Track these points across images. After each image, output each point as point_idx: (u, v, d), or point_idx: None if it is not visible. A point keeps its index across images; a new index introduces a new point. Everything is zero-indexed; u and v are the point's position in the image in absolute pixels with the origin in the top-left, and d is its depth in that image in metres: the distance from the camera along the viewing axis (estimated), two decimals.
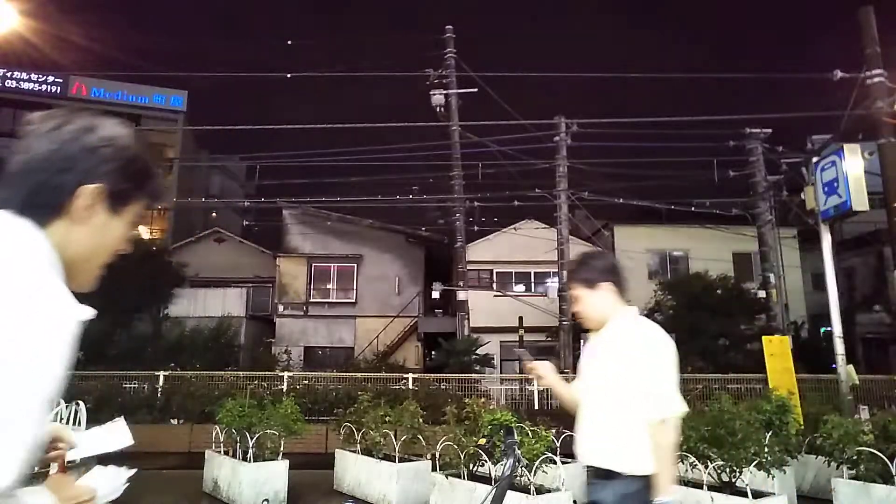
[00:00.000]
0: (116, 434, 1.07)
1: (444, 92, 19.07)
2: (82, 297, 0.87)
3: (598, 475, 2.37)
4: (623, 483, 2.25)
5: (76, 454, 1.02)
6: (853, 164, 9.90)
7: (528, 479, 5.59)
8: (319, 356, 22.40)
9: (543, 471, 5.94)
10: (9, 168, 0.94)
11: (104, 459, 1.11)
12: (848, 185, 9.82)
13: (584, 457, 2.47)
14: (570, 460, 7.30)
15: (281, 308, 23.09)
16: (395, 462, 7.41)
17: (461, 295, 18.75)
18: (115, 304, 16.85)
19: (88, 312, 0.87)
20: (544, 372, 2.72)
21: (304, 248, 23.81)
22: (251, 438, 7.26)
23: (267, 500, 7.01)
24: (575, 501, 6.01)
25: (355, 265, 23.55)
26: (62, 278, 0.89)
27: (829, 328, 13.81)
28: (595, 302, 2.57)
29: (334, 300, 23.40)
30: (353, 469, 8.02)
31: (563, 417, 11.14)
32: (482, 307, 20.40)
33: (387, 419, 7.86)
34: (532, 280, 23.07)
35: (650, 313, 19.09)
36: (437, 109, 18.98)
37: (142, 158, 1.03)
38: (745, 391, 12.70)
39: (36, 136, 0.96)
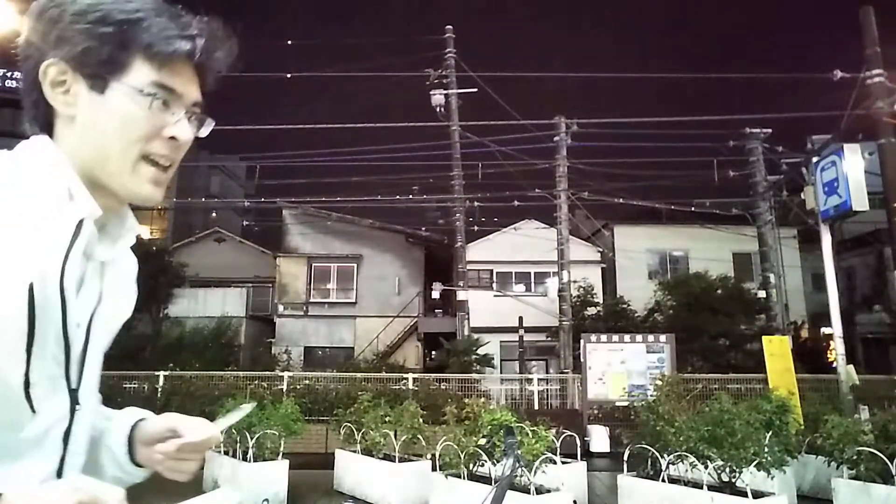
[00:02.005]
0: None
1: (444, 92, 19.07)
2: None
3: None
4: None
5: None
6: (853, 164, 9.91)
7: (528, 479, 5.58)
8: (319, 356, 22.39)
9: (543, 471, 5.94)
10: None
11: None
12: (848, 185, 9.83)
13: None
14: (569, 460, 7.31)
15: (281, 308, 23.09)
16: (395, 462, 7.41)
17: (461, 295, 18.75)
18: None
19: (84, 210, 0.76)
20: None
21: (304, 248, 23.81)
22: (251, 438, 7.26)
23: (267, 500, 7.01)
24: (575, 501, 6.00)
25: (355, 265, 23.55)
26: (89, 184, 0.78)
27: (829, 328, 13.81)
28: None
29: (334, 300, 23.40)
30: (353, 469, 8.02)
31: (563, 417, 11.16)
32: (482, 307, 20.40)
33: (387, 419, 7.86)
34: (532, 280, 23.06)
35: (650, 313, 19.11)
36: (437, 109, 18.98)
37: (107, 2, 0.77)
38: (745, 391, 12.69)
39: None
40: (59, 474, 0.78)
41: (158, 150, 0.81)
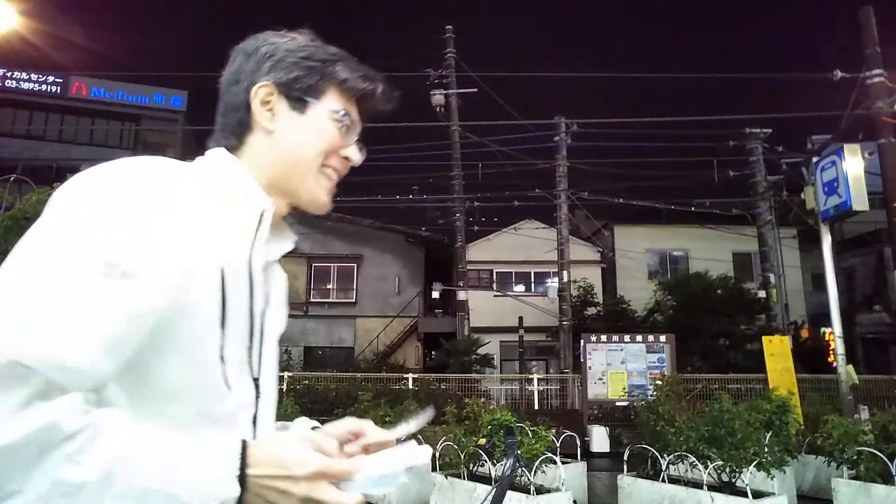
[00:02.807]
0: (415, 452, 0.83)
1: (444, 92, 19.07)
2: None
3: None
4: None
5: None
6: (853, 164, 9.91)
7: (528, 479, 5.58)
8: (319, 356, 22.38)
9: (543, 471, 5.94)
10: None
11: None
12: (848, 185, 9.82)
13: None
14: (569, 460, 7.31)
15: None
16: None
17: (461, 295, 18.75)
18: None
19: (262, 203, 0.88)
20: None
21: (304, 247, 23.80)
22: None
23: None
24: (575, 501, 6.00)
25: (355, 265, 23.55)
26: (271, 194, 0.91)
27: (829, 328, 13.81)
28: None
29: (334, 300, 23.40)
30: None
31: (563, 417, 11.16)
32: (482, 307, 20.40)
33: (387, 419, 7.86)
34: (532, 280, 23.06)
35: (650, 313, 19.12)
36: (437, 109, 18.98)
37: (312, 46, 0.97)
38: (745, 391, 12.70)
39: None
40: None
41: (335, 164, 0.97)
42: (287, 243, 1.00)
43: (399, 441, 0.90)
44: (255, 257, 0.85)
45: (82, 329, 0.65)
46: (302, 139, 0.94)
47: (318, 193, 0.97)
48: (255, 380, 0.87)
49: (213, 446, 0.70)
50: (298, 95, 0.94)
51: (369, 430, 0.93)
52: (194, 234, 0.77)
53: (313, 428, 0.98)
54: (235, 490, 0.68)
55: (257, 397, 0.87)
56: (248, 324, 0.85)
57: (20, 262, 0.68)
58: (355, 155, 0.99)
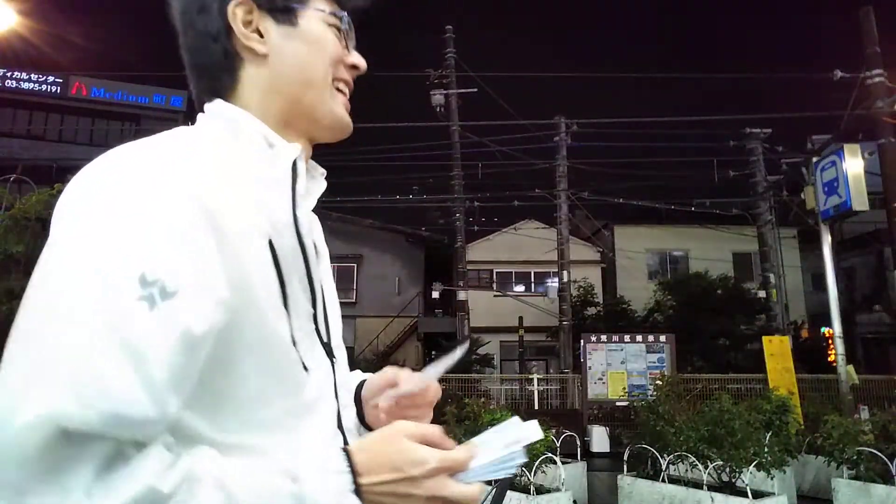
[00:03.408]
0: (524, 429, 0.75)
1: (444, 92, 19.06)
2: None
3: None
4: None
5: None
6: (853, 164, 9.91)
7: (528, 479, 5.58)
8: None
9: (543, 471, 5.94)
10: (184, 62, 0.84)
11: None
12: (848, 185, 9.83)
13: None
14: (569, 460, 7.31)
15: None
16: None
17: (461, 295, 18.74)
18: None
19: (292, 150, 0.76)
20: None
21: None
22: None
23: None
24: (575, 501, 6.00)
25: (355, 265, 23.54)
26: (288, 138, 0.79)
27: (829, 328, 13.81)
28: None
29: None
30: None
31: (562, 417, 11.16)
32: (482, 307, 20.40)
33: None
34: (532, 280, 23.06)
35: (650, 313, 19.11)
36: (437, 109, 18.97)
37: None
38: (745, 391, 12.69)
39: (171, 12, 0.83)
40: (340, 427, 0.79)
41: (343, 76, 0.84)
42: (319, 184, 0.87)
43: (428, 379, 0.85)
44: (300, 216, 0.74)
45: (134, 370, 0.54)
46: (303, 55, 0.80)
47: (340, 113, 0.84)
48: (326, 344, 0.80)
49: (316, 462, 0.64)
50: (284, 4, 0.79)
51: (403, 378, 0.86)
52: (230, 216, 0.65)
53: (364, 379, 0.93)
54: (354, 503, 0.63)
55: (332, 364, 0.80)
56: (309, 289, 0.76)
57: (38, 303, 0.57)
58: (361, 61, 0.86)
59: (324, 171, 0.88)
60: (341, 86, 0.84)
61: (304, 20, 0.80)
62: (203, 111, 0.81)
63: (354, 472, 0.64)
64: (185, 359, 0.58)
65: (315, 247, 0.81)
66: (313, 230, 0.84)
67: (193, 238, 0.61)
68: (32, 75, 28.61)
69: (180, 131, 0.73)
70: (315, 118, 0.82)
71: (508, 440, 0.73)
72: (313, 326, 0.77)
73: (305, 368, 0.73)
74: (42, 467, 0.51)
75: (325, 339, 0.80)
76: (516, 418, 0.77)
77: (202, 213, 0.62)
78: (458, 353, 0.84)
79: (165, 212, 0.60)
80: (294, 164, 0.76)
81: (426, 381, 0.86)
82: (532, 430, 0.75)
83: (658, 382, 7.73)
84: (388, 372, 0.89)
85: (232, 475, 0.59)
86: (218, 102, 0.79)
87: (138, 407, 0.54)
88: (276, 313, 0.69)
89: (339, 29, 0.83)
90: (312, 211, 0.85)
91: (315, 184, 0.86)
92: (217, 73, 0.80)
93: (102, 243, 0.58)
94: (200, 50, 0.80)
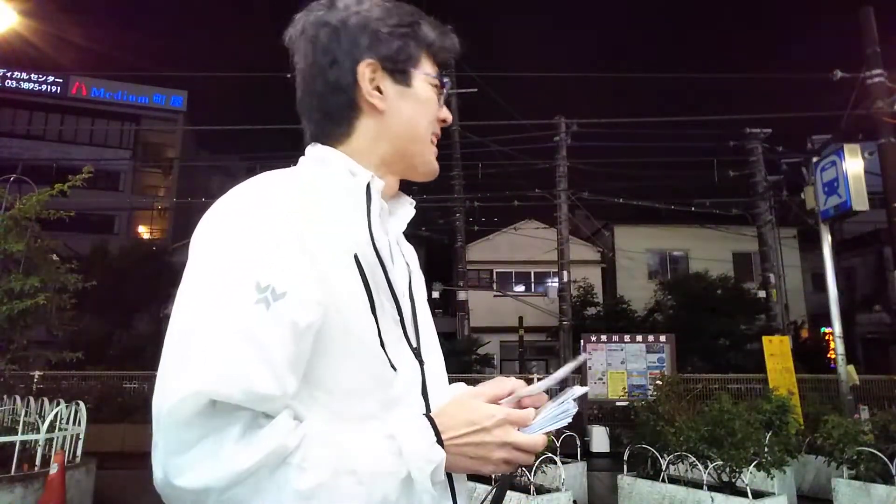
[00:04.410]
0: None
1: (444, 92, 19.04)
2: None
3: None
4: None
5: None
6: (853, 164, 9.90)
7: (528, 479, 5.58)
8: None
9: (543, 471, 5.94)
10: (299, 109, 0.95)
11: None
12: (848, 185, 9.82)
13: None
14: (569, 460, 7.31)
15: None
16: None
17: (461, 295, 18.74)
18: (115, 303, 16.86)
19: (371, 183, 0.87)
20: None
21: None
22: None
23: None
24: (575, 501, 6.00)
25: None
26: (383, 173, 0.91)
27: (829, 328, 13.80)
28: None
29: None
30: None
31: None
32: (482, 307, 20.40)
33: None
34: (532, 280, 23.07)
35: (650, 313, 19.11)
36: None
37: (395, 9, 0.92)
38: (745, 391, 12.69)
39: (297, 66, 0.93)
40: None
41: (436, 130, 0.97)
42: (406, 209, 0.99)
43: (549, 393, 0.93)
44: (375, 232, 0.84)
45: (261, 358, 0.69)
46: (413, 114, 0.92)
47: (434, 163, 0.97)
48: (415, 349, 0.89)
49: (407, 425, 0.78)
50: (403, 68, 0.91)
51: (518, 386, 0.93)
52: (323, 235, 0.78)
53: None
54: (440, 453, 0.77)
55: (422, 366, 0.89)
56: (392, 298, 0.85)
57: (185, 311, 0.72)
58: (449, 116, 0.98)
59: (412, 201, 1.01)
60: (434, 137, 0.97)
61: (416, 82, 0.92)
62: (305, 154, 0.94)
63: (437, 432, 0.78)
64: (296, 346, 0.72)
65: (408, 266, 0.96)
66: (403, 250, 0.98)
67: (290, 251, 0.74)
68: (32, 75, 28.61)
69: (281, 171, 0.86)
70: (414, 165, 0.96)
71: (559, 399, 0.87)
72: (401, 332, 0.87)
73: (393, 368, 0.82)
74: (199, 430, 0.67)
75: (413, 345, 0.89)
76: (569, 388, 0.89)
77: (296, 231, 0.76)
78: (570, 365, 0.94)
79: (267, 232, 0.74)
80: (368, 186, 0.86)
81: (541, 388, 0.95)
82: (577, 388, 0.88)
83: (658, 382, 7.73)
84: (502, 383, 0.94)
85: (341, 433, 0.74)
86: (314, 146, 0.92)
87: (265, 384, 0.69)
88: (365, 318, 0.80)
89: (438, 90, 0.95)
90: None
91: (402, 209, 0.98)
92: (338, 119, 0.90)
93: (225, 263, 0.73)
94: (327, 97, 0.90)
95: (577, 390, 0.87)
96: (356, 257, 0.80)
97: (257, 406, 0.69)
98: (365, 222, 0.84)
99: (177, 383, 0.67)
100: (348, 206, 0.84)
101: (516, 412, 0.83)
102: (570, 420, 0.85)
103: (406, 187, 1.03)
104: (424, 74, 0.93)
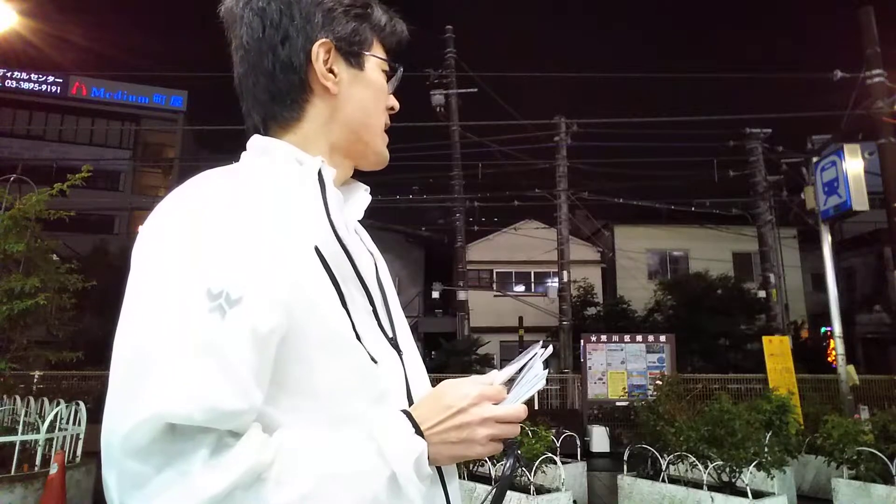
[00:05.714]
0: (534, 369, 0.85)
1: (444, 92, 19.05)
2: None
3: None
4: None
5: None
6: (853, 164, 9.90)
7: (528, 479, 5.58)
8: None
9: (543, 471, 5.94)
10: (238, 88, 0.89)
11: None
12: (848, 185, 9.82)
13: None
14: (569, 460, 7.31)
15: None
16: None
17: (461, 295, 18.74)
18: (115, 303, 16.86)
19: (325, 172, 0.82)
20: None
21: None
22: None
23: None
24: (575, 501, 6.00)
25: None
26: (334, 160, 0.87)
27: (829, 328, 13.80)
28: None
29: None
30: None
31: (562, 417, 11.16)
32: (482, 307, 20.40)
33: None
34: (532, 280, 23.07)
35: (650, 313, 19.11)
36: (437, 109, 18.97)
37: None
38: (745, 391, 12.70)
39: (240, 40, 0.86)
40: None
41: (386, 118, 0.93)
42: (362, 197, 0.95)
43: (513, 380, 0.91)
44: (335, 221, 0.80)
45: (221, 372, 0.63)
46: (366, 99, 0.88)
47: (384, 151, 0.93)
48: (391, 339, 0.86)
49: (383, 423, 0.74)
50: (357, 50, 0.87)
51: (497, 377, 0.91)
52: (276, 230, 0.72)
53: None
54: (421, 443, 0.74)
55: (401, 356, 0.86)
56: (362, 288, 0.82)
57: (131, 326, 0.67)
58: (396, 104, 0.94)
59: (367, 187, 0.96)
60: (384, 125, 0.93)
61: (369, 66, 0.88)
62: (246, 147, 0.88)
63: (415, 423, 0.75)
64: (259, 354, 0.66)
65: (372, 254, 0.93)
66: (363, 238, 0.95)
67: (242, 250, 0.68)
68: (32, 75, 28.60)
69: (224, 168, 0.80)
70: (366, 154, 0.92)
71: (522, 362, 0.85)
72: (375, 323, 0.83)
73: (374, 360, 0.79)
74: (159, 458, 0.60)
75: (389, 335, 0.86)
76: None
77: (246, 228, 0.70)
78: (525, 356, 0.88)
79: (213, 233, 0.68)
80: (320, 173, 0.81)
81: (512, 372, 0.92)
82: (538, 347, 0.86)
83: (658, 382, 7.73)
84: (487, 376, 0.94)
85: (318, 439, 0.70)
86: (254, 137, 0.87)
87: (229, 400, 0.63)
88: (336, 312, 0.76)
89: (388, 76, 0.91)
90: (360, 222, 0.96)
91: (356, 196, 0.93)
92: (287, 102, 0.85)
93: (169, 271, 0.66)
94: (277, 77, 0.84)
95: (539, 350, 0.85)
96: (317, 249, 0.75)
97: (222, 425, 0.63)
98: (322, 212, 0.79)
99: (129, 408, 0.61)
100: (300, 196, 0.79)
101: (490, 387, 0.81)
102: (544, 382, 0.84)
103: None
104: (378, 59, 0.89)
